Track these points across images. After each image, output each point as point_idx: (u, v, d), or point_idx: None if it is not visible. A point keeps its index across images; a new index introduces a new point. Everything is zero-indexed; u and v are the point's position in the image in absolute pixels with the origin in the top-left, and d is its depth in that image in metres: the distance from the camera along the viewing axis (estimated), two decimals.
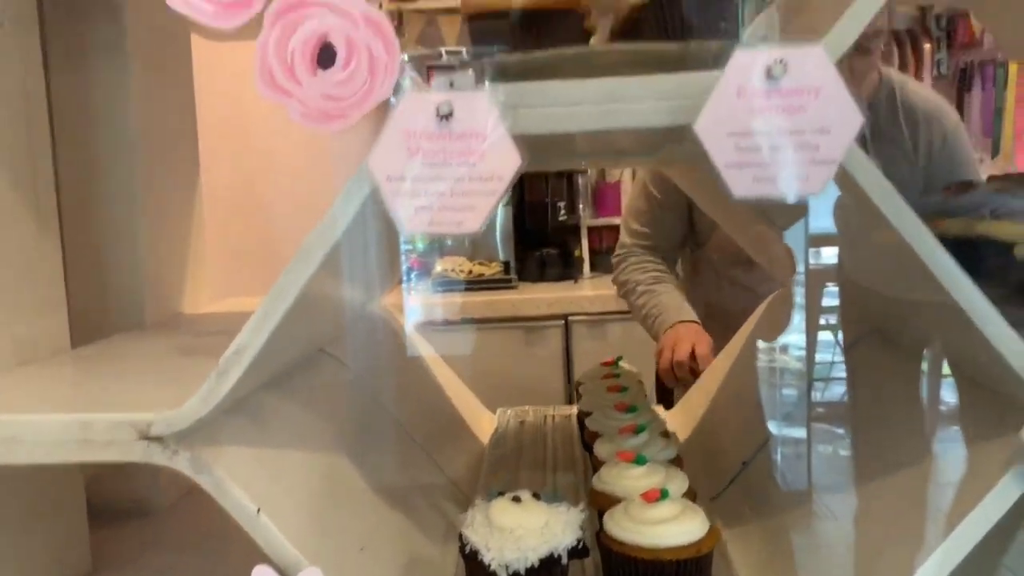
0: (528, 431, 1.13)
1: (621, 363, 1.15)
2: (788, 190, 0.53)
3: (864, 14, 0.53)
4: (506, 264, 2.99)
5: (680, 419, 1.20)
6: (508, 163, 0.53)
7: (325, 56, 0.54)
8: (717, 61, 0.53)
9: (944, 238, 0.77)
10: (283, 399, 0.75)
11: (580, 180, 3.08)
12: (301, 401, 0.78)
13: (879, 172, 0.55)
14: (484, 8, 0.60)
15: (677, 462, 0.83)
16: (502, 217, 3.07)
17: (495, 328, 2.70)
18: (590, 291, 2.80)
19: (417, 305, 2.76)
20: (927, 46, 3.28)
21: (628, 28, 0.61)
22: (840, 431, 0.92)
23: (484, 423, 1.19)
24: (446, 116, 0.53)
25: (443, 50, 2.99)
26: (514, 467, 1.00)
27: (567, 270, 3.02)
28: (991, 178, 1.00)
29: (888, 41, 3.16)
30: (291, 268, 0.58)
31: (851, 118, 0.53)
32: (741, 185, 0.53)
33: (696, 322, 1.52)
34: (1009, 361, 0.56)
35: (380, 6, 2.52)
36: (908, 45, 3.27)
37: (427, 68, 0.70)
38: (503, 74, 0.59)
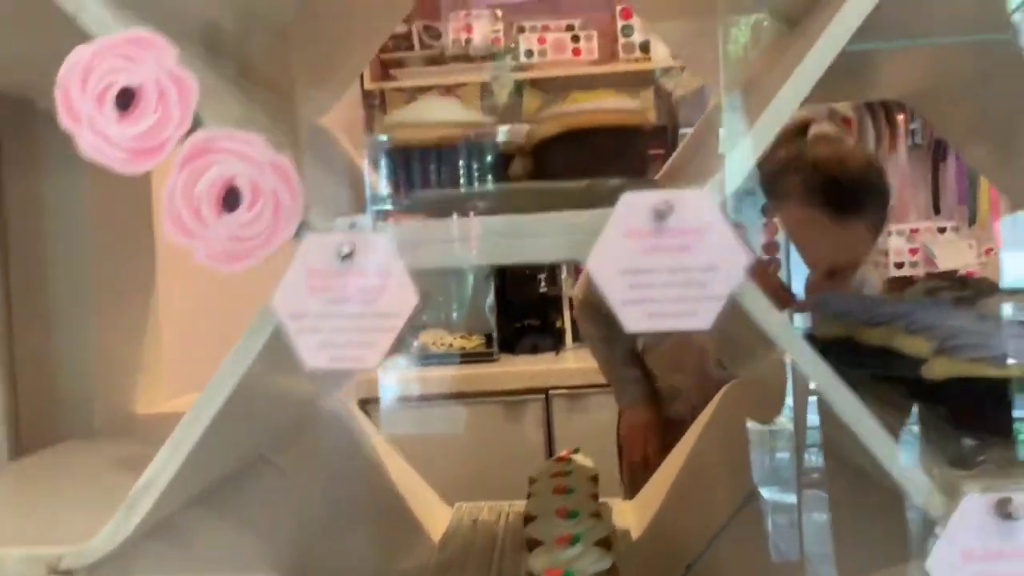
0: (480, 531, 1.13)
1: (576, 457, 1.15)
2: (680, 325, 0.55)
3: (748, 160, 0.56)
4: (488, 337, 3.00)
5: (639, 510, 1.19)
6: (406, 301, 0.55)
7: (231, 199, 0.56)
8: (615, 199, 0.55)
9: (867, 346, 0.79)
10: (212, 517, 0.75)
11: None
12: (233, 517, 0.78)
13: (767, 301, 0.56)
14: (408, 143, 0.63)
15: (613, 572, 0.83)
16: (485, 289, 3.09)
17: (474, 403, 2.69)
18: (572, 363, 2.81)
19: (393, 382, 2.76)
20: (900, 117, 3.35)
21: (538, 162, 0.64)
22: (782, 539, 0.91)
23: (439, 521, 1.19)
24: (347, 256, 0.55)
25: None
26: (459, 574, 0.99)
27: (549, 341, 3.03)
28: (928, 276, 1.02)
29: (862, 113, 3.23)
30: (202, 398, 0.59)
31: (736, 256, 0.54)
32: (635, 321, 0.55)
33: (648, 403, 1.57)
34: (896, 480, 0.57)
35: (362, 85, 2.56)
36: (882, 116, 3.33)
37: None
38: (421, 208, 0.61)
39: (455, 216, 0.56)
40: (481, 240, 0.57)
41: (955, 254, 2.92)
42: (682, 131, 3.27)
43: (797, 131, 1.37)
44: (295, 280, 0.56)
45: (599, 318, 1.65)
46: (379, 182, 0.65)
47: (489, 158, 0.64)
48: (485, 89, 3.05)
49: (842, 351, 0.88)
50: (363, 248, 0.55)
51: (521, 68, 3.08)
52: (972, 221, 3.37)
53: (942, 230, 3.11)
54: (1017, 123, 1.10)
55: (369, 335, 0.55)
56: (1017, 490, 0.54)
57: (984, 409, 0.61)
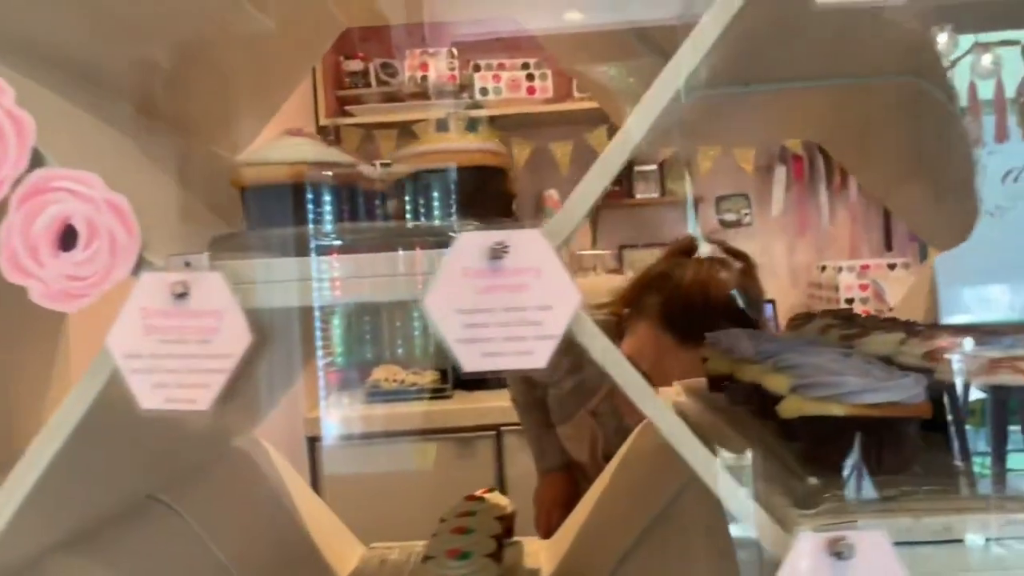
0: (387, 572, 1.11)
1: (489, 496, 1.14)
2: (515, 364, 0.55)
3: (580, 209, 0.56)
4: (443, 372, 2.98)
5: (553, 549, 1.18)
6: (239, 341, 0.54)
7: (68, 237, 0.56)
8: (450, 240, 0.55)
9: (744, 383, 0.80)
10: (86, 561, 0.74)
11: None
12: (106, 561, 0.76)
13: (605, 338, 0.56)
14: (257, 182, 0.63)
15: None
16: None
17: (425, 441, 2.67)
18: None
19: (337, 420, 2.73)
20: None
21: (397, 202, 0.64)
22: None
23: (350, 562, 1.17)
24: (181, 295, 0.54)
25: (378, 163, 3.08)
26: None
27: (503, 376, 3.01)
28: (824, 312, 1.03)
29: (813, 151, 3.29)
30: (39, 440, 0.58)
31: (570, 295, 0.54)
32: (470, 360, 0.55)
33: (561, 474, 1.57)
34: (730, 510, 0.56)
35: (316, 120, 2.56)
36: (833, 158, 3.38)
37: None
38: (269, 248, 0.60)
39: (290, 255, 0.56)
40: (319, 280, 0.57)
41: (904, 290, 2.96)
42: (638, 168, 3.32)
43: (680, 249, 1.36)
44: (129, 319, 0.55)
45: (520, 384, 1.64)
46: (241, 221, 0.65)
47: (352, 197, 0.65)
48: (440, 127, 3.07)
49: (728, 387, 0.89)
50: (197, 287, 0.54)
51: (477, 105, 3.11)
52: (924, 257, 3.42)
53: (892, 266, 3.16)
54: (919, 163, 1.12)
55: (203, 376, 0.54)
56: (850, 529, 0.54)
57: (831, 447, 0.61)
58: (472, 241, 0.54)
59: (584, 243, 3.39)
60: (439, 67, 3.14)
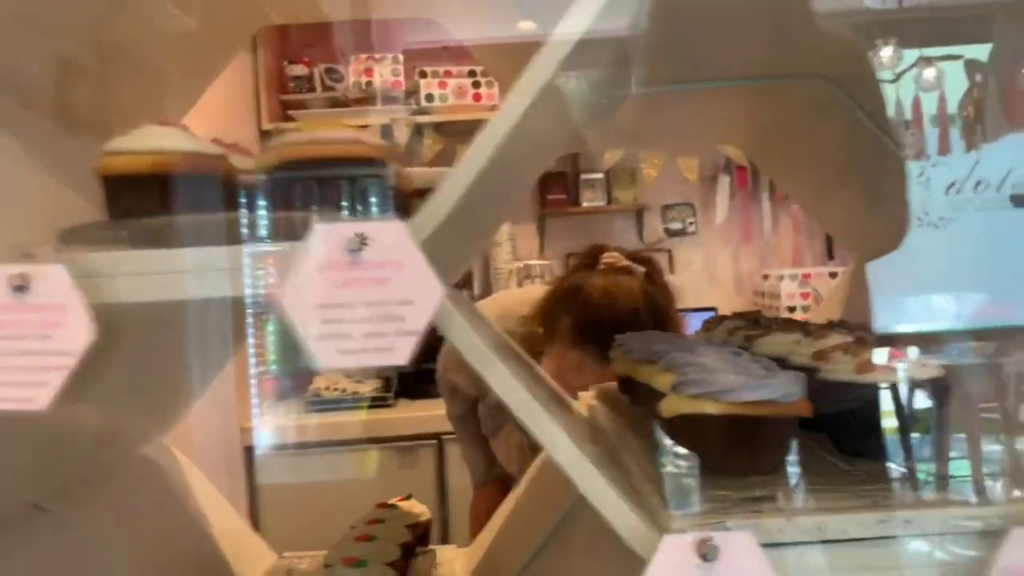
0: None
1: (403, 504, 1.11)
2: (376, 361, 0.53)
3: (446, 204, 0.55)
4: (387, 380, 2.94)
5: (471, 557, 1.16)
6: (81, 337, 0.51)
7: None
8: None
9: (639, 384, 0.79)
10: None
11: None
12: None
13: (472, 332, 0.55)
14: (118, 171, 0.60)
15: None
16: None
17: (365, 450, 2.63)
18: None
19: (275, 430, 2.68)
20: None
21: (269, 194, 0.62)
22: None
23: (257, 572, 1.13)
24: (19, 288, 0.51)
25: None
26: None
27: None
28: (735, 315, 1.03)
29: (756, 165, 3.32)
30: None
31: (433, 289, 0.53)
32: (327, 357, 0.53)
33: (493, 487, 1.55)
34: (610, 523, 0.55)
35: (259, 125, 2.50)
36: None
37: None
38: (126, 240, 0.58)
39: (148, 248, 0.54)
40: (166, 273, 0.54)
41: None
42: (583, 176, 3.32)
43: (584, 262, 1.35)
44: None
45: (456, 396, 1.61)
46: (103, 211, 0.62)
47: (220, 188, 0.62)
48: (385, 132, 3.04)
49: (629, 389, 0.88)
50: (38, 280, 0.51)
51: (422, 112, 3.09)
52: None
53: (834, 275, 3.20)
54: (833, 168, 1.13)
55: (40, 374, 0.51)
56: (718, 530, 0.53)
57: (708, 446, 0.60)
58: (330, 233, 0.52)
59: (531, 251, 3.39)
60: (384, 72, 3.11)
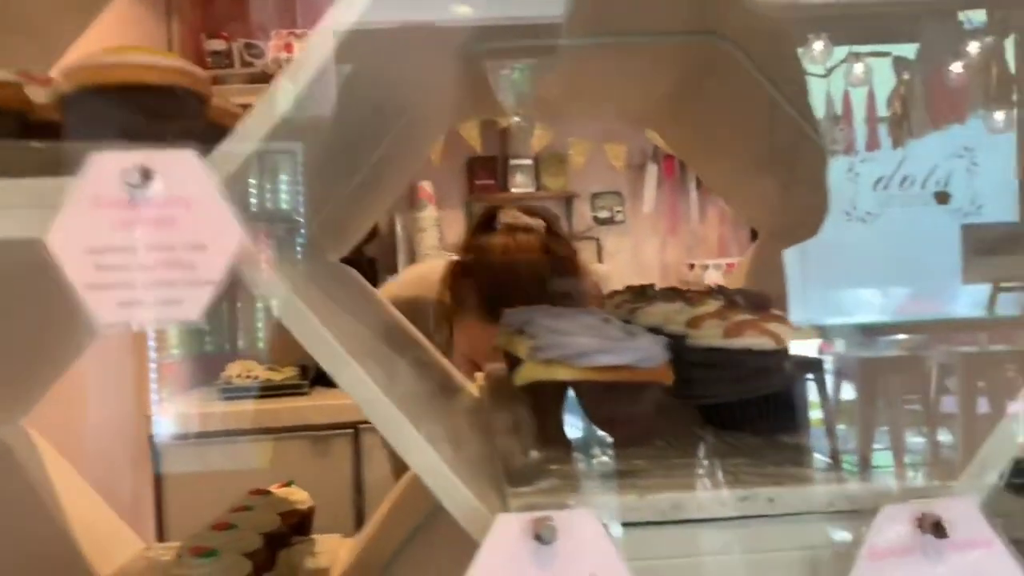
0: (147, 572, 0.99)
1: (280, 492, 1.04)
2: (163, 317, 0.45)
3: (254, 135, 0.48)
4: (303, 368, 2.84)
5: (354, 547, 1.09)
6: None
7: None
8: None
9: (510, 355, 0.73)
10: None
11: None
12: None
13: (284, 289, 0.48)
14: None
15: None
16: None
17: (279, 439, 2.52)
18: None
19: (181, 418, 2.56)
20: None
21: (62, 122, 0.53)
22: None
23: (117, 562, 1.04)
24: None
25: None
26: None
27: None
28: (628, 288, 0.98)
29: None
30: None
31: (230, 232, 0.45)
32: (105, 311, 0.45)
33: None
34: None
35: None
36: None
37: None
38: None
39: None
40: None
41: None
42: (512, 161, 3.26)
43: (481, 224, 1.29)
44: None
45: None
46: None
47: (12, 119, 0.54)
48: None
49: (509, 362, 0.82)
50: None
51: None
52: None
53: None
54: (730, 134, 1.09)
55: None
56: (558, 509, 0.47)
57: (560, 415, 0.54)
58: (106, 164, 0.44)
59: (458, 237, 3.31)
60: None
